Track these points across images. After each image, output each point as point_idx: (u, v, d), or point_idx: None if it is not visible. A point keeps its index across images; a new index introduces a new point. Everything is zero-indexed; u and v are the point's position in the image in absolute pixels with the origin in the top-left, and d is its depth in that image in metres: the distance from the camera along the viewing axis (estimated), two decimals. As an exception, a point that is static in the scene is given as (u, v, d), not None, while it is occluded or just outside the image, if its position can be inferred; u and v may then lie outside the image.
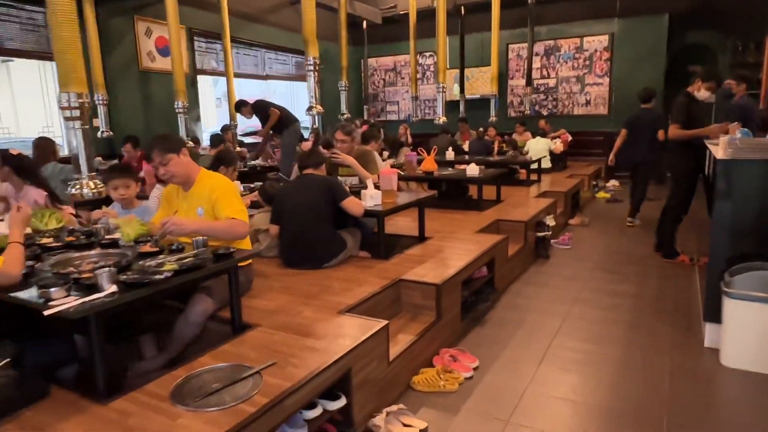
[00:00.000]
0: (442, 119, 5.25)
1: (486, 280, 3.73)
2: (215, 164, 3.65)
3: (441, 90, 5.14)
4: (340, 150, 4.27)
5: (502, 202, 5.61)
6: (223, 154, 3.73)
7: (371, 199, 3.53)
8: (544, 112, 10.19)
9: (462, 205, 5.39)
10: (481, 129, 8.64)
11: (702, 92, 4.35)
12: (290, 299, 2.75)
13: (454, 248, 3.73)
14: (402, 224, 4.53)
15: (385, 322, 2.40)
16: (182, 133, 5.17)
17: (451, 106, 10.70)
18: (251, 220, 3.70)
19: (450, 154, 7.45)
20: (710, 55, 9.03)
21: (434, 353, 2.89)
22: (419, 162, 5.68)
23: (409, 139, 9.77)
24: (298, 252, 3.26)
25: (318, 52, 4.18)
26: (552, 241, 5.31)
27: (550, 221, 5.18)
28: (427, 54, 11.29)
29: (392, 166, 5.70)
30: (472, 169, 5.22)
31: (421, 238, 4.04)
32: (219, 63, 8.74)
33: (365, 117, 10.81)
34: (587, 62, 9.70)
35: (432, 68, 11.31)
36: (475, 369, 2.79)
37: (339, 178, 4.38)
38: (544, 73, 10.14)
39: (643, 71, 9.16)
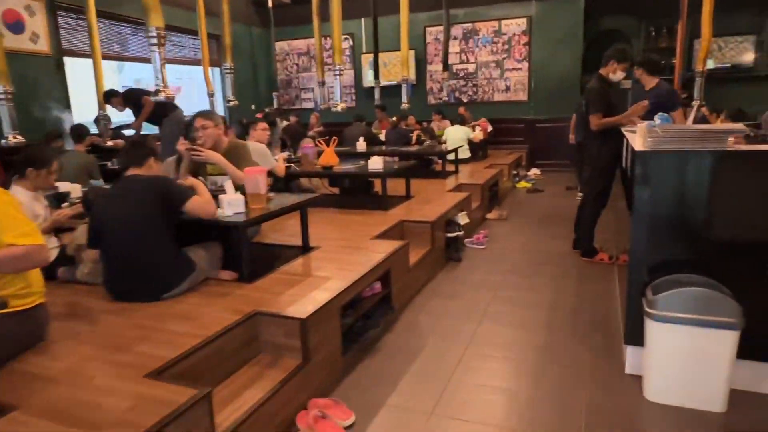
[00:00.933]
0: (340, 106, 4.61)
1: (380, 298, 3.12)
2: (22, 165, 2.79)
3: (338, 73, 4.49)
4: (203, 142, 3.49)
5: (411, 198, 5.04)
6: (32, 152, 2.86)
7: (229, 206, 2.81)
8: (464, 99, 9.76)
9: (366, 204, 4.76)
10: (396, 117, 8.05)
11: (618, 74, 3.95)
12: (91, 354, 2.00)
13: (341, 261, 3.09)
14: (292, 230, 3.84)
15: (206, 390, 1.71)
16: (5, 125, 4.17)
17: (367, 93, 10.06)
18: (74, 234, 2.88)
19: (361, 145, 6.83)
20: (624, 40, 8.90)
21: (301, 407, 2.24)
22: (319, 155, 5.00)
23: (314, 129, 9.05)
24: (124, 280, 2.49)
25: (163, 22, 3.34)
26: (466, 240, 4.80)
27: (462, 219, 4.66)
28: (342, 37, 10.55)
29: (289, 161, 5.00)
30: (375, 163, 4.60)
31: (305, 248, 3.37)
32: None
33: (275, 105, 9.93)
34: (506, 46, 9.33)
35: (347, 52, 10.59)
36: (348, 428, 2.16)
37: (209, 178, 3.62)
38: (463, 57, 9.69)
39: (561, 56, 8.91)
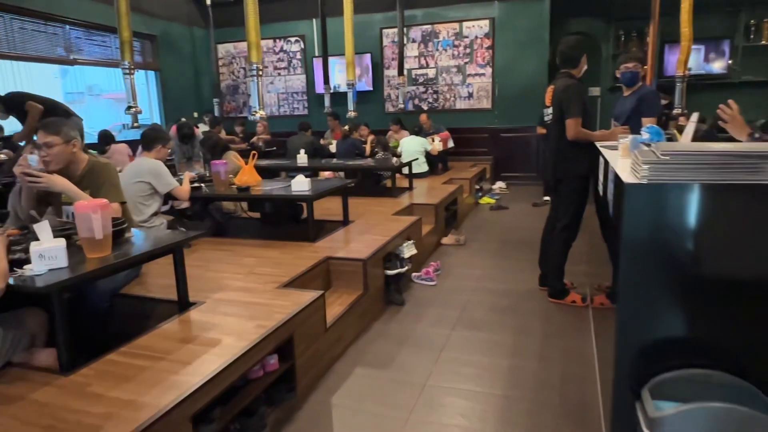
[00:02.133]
0: (259, 113, 3.78)
1: (276, 378, 2.27)
2: None
3: (254, 72, 3.67)
4: (48, 161, 2.60)
5: (350, 224, 4.21)
6: None
7: (41, 259, 1.92)
8: (425, 107, 9.01)
9: (290, 234, 3.92)
10: (347, 127, 7.23)
11: (583, 71, 3.24)
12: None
13: (222, 328, 2.22)
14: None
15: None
16: None
17: (320, 100, 9.22)
18: None
19: (302, 158, 5.98)
20: (593, 44, 8.31)
21: None
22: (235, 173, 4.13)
23: (260, 138, 8.19)
24: None
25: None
26: (413, 275, 3.99)
27: (409, 250, 3.85)
28: (292, 39, 9.72)
29: (201, 180, 4.12)
30: (299, 183, 3.75)
31: (182, 306, 2.50)
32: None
33: (215, 114, 9.00)
34: (468, 50, 8.63)
35: (299, 55, 9.75)
36: None
37: (63, 209, 2.73)
38: (422, 62, 8.95)
39: (526, 61, 8.26)
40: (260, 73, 3.85)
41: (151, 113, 9.16)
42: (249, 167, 4.06)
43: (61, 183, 2.56)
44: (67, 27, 7.29)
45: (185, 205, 4.57)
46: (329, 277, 3.30)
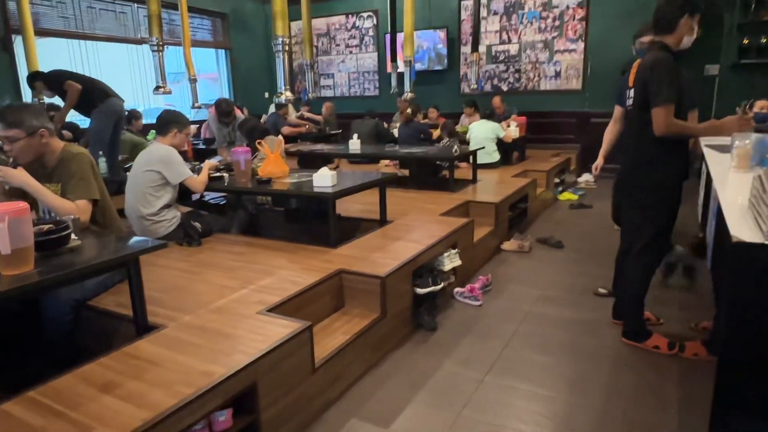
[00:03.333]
0: (284, 95, 3.27)
1: (230, 438, 1.77)
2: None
3: (279, 48, 3.14)
4: (14, 154, 2.27)
5: (385, 225, 3.62)
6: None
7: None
8: (504, 87, 8.11)
9: (312, 236, 3.41)
10: (409, 110, 6.58)
11: (687, 38, 2.37)
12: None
13: (159, 372, 1.75)
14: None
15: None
16: None
17: (388, 80, 8.60)
18: None
19: (354, 144, 5.44)
20: (713, 10, 6.91)
21: None
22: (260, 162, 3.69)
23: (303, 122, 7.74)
24: None
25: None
26: (456, 291, 3.33)
27: (450, 262, 3.19)
28: (365, 15, 9.16)
29: (223, 170, 3.73)
30: (321, 178, 3.21)
31: (139, 330, 2.07)
32: (69, 20, 6.66)
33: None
34: (557, 23, 7.58)
35: (371, 32, 9.18)
36: None
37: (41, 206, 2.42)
38: (504, 37, 8.02)
39: (626, 34, 7.02)
40: (286, 48, 3.33)
41: (222, 94, 9.07)
42: (275, 156, 3.59)
43: (19, 178, 2.22)
44: (135, 5, 7.27)
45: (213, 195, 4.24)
46: (342, 295, 2.75)
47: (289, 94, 3.38)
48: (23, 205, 1.69)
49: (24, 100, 5.79)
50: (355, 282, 2.69)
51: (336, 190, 3.12)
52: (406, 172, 5.69)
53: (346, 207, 4.14)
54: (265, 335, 1.98)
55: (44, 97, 5.17)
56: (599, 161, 3.04)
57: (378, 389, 2.33)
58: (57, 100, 4.76)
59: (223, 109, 5.39)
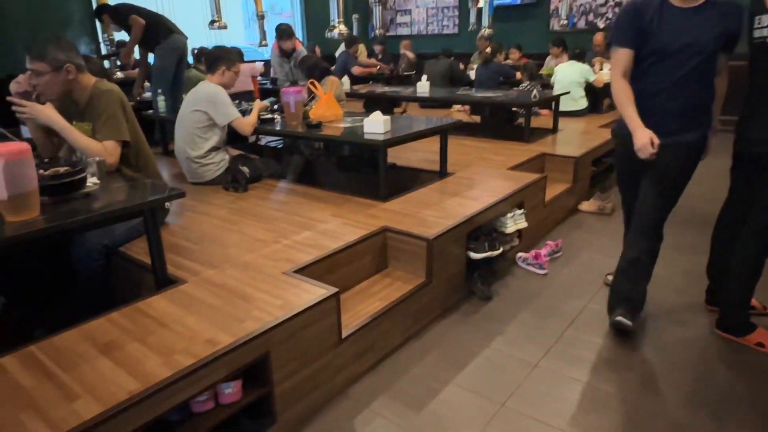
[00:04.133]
0: (337, 30, 2.93)
1: (242, 409, 1.61)
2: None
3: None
4: (40, 90, 2.16)
5: (446, 177, 3.27)
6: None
7: None
8: (601, 24, 7.18)
9: (364, 186, 3.15)
10: (489, 49, 5.98)
11: None
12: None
13: (165, 336, 1.60)
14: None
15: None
16: None
17: (468, 17, 7.90)
18: None
19: (423, 86, 5.03)
20: None
21: None
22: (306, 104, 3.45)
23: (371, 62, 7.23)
24: None
25: None
26: (519, 256, 2.97)
27: (513, 223, 2.82)
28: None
29: (271, 112, 3.53)
30: (372, 123, 2.89)
31: (159, 283, 1.94)
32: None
33: (353, 31, 8.28)
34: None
35: (452, -37, 8.42)
36: None
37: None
38: (605, -36, 7.01)
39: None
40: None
41: (295, 31, 8.81)
42: (327, 97, 3.31)
43: (46, 114, 2.10)
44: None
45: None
46: (385, 255, 2.49)
47: (342, 27, 3.05)
48: (23, 146, 1.54)
49: (99, 35, 5.85)
50: (400, 242, 2.42)
51: (387, 138, 2.80)
52: (477, 118, 5.22)
53: (406, 156, 3.82)
54: (285, 300, 1.78)
55: (113, 33, 5.18)
56: (650, 134, 1.92)
57: (414, 365, 2.09)
58: (125, 36, 4.72)
59: (282, 30, 5.08)
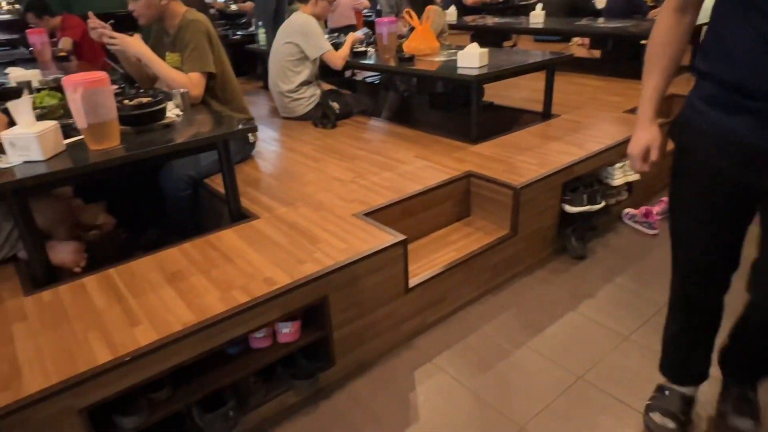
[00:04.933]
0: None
1: (299, 350, 1.61)
2: None
3: None
4: (136, 14, 2.20)
5: (549, 119, 2.95)
6: None
7: (13, 148, 1.54)
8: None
9: (456, 126, 2.93)
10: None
11: None
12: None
13: (228, 271, 1.61)
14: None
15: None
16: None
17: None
18: None
19: (536, 16, 4.53)
20: None
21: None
22: (402, 36, 3.23)
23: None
24: None
25: None
26: (626, 212, 2.63)
27: (622, 175, 2.48)
28: None
29: (366, 45, 3.40)
30: (466, 57, 2.62)
31: (233, 217, 1.96)
32: None
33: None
34: None
35: None
36: None
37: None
38: None
39: None
40: None
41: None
42: (423, 29, 3.07)
43: (134, 46, 2.15)
44: None
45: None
46: (468, 202, 2.31)
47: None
48: (101, 75, 1.57)
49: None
50: (484, 189, 2.22)
51: (482, 73, 2.54)
52: (597, 53, 4.62)
53: (507, 94, 3.50)
54: (349, 245, 1.70)
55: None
56: (652, 138, 1.21)
57: (486, 322, 1.95)
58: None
59: None
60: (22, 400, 1.12)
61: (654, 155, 1.20)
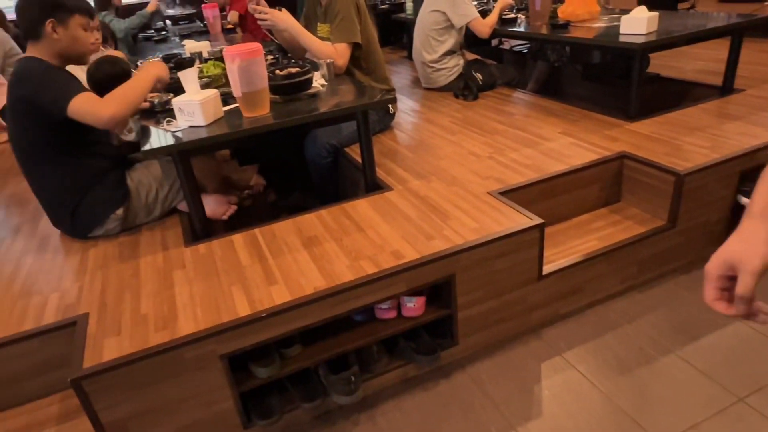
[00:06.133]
0: None
1: (419, 325, 1.61)
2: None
3: None
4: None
5: (730, 94, 2.53)
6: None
7: (182, 114, 1.71)
8: None
9: (612, 99, 2.64)
10: None
11: None
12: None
13: (359, 240, 1.65)
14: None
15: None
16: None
17: None
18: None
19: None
20: None
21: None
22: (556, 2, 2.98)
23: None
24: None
25: None
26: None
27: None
28: None
29: (521, 10, 3.21)
30: (632, 22, 2.31)
31: (369, 188, 1.99)
32: None
33: None
34: None
35: None
36: None
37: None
38: None
39: None
40: None
41: None
42: (580, -6, 2.79)
43: (282, 19, 2.24)
44: None
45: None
46: (619, 187, 2.08)
47: None
48: (255, 46, 1.66)
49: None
50: (639, 173, 1.98)
51: (649, 40, 2.23)
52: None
53: (679, 66, 3.07)
54: (482, 224, 1.63)
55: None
56: None
57: (628, 321, 1.76)
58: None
59: None
60: (175, 340, 1.27)
61: (743, 286, 0.59)
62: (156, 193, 1.87)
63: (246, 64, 1.64)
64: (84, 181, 1.78)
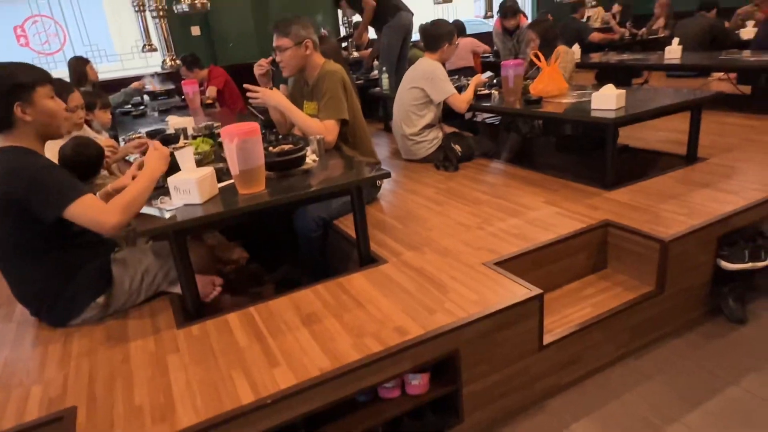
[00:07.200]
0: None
1: (423, 403, 1.56)
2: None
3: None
4: (282, 65, 2.38)
5: (694, 163, 2.69)
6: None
7: (177, 192, 1.70)
8: None
9: (585, 170, 2.78)
10: (772, -2, 4.70)
11: None
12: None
13: (353, 319, 1.62)
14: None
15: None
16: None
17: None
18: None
19: (672, 51, 4.24)
20: None
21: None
22: (529, 77, 3.17)
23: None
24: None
25: None
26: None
27: (789, 228, 2.17)
28: None
29: (493, 86, 3.38)
30: (602, 99, 2.48)
31: (363, 261, 1.99)
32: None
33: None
34: None
35: None
36: None
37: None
38: None
39: None
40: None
41: (524, 4, 8.30)
42: (551, 70, 2.99)
43: (274, 97, 2.32)
44: None
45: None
46: (605, 254, 2.14)
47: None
48: (253, 125, 1.69)
49: (339, 19, 6.37)
50: (624, 240, 2.05)
51: (620, 115, 2.39)
52: (746, 89, 4.18)
53: (642, 136, 3.27)
54: (481, 296, 1.64)
55: (351, 16, 5.55)
56: None
57: (628, 390, 1.76)
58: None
59: (506, 7, 4.77)
60: (176, 433, 1.19)
61: None
62: (141, 278, 1.79)
63: (243, 143, 1.67)
64: (66, 272, 1.68)
